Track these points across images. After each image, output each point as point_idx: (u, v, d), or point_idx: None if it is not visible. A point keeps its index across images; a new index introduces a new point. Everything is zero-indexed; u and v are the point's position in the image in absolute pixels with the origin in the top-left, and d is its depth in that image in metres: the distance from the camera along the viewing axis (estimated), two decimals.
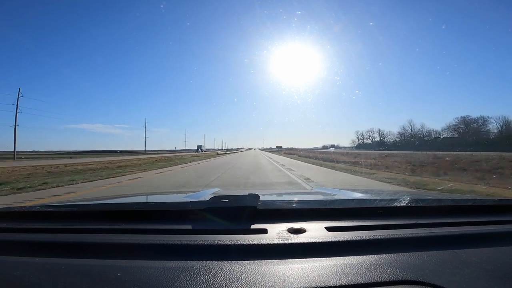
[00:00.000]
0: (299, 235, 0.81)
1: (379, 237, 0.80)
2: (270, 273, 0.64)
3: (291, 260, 0.70)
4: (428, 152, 28.92)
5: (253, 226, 0.87)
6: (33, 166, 16.33)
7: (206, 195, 1.40)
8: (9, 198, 5.78)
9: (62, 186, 7.49)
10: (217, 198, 1.03)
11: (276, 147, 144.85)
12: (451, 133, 73.56)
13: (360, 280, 0.61)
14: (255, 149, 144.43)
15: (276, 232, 0.82)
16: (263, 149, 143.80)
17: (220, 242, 0.76)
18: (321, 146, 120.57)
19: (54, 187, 7.23)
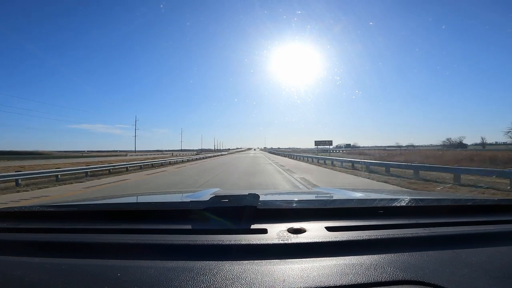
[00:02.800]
0: (299, 235, 0.81)
1: (379, 237, 0.80)
2: (270, 273, 0.64)
3: (291, 260, 0.70)
4: None
5: (253, 226, 0.87)
6: None
7: (206, 195, 1.40)
8: None
9: None
10: (217, 198, 1.03)
11: (316, 142, 38.91)
12: None
13: (360, 280, 0.61)
14: (255, 149, 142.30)
15: (276, 232, 0.82)
16: (264, 149, 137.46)
17: (220, 242, 0.76)
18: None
19: None
